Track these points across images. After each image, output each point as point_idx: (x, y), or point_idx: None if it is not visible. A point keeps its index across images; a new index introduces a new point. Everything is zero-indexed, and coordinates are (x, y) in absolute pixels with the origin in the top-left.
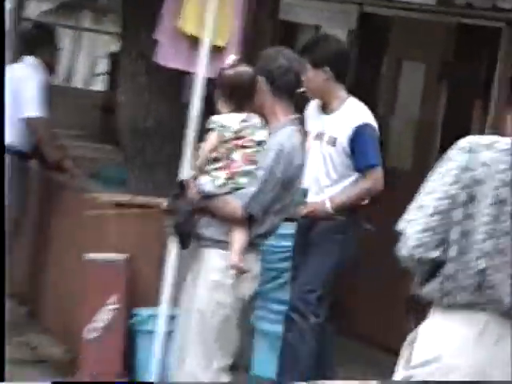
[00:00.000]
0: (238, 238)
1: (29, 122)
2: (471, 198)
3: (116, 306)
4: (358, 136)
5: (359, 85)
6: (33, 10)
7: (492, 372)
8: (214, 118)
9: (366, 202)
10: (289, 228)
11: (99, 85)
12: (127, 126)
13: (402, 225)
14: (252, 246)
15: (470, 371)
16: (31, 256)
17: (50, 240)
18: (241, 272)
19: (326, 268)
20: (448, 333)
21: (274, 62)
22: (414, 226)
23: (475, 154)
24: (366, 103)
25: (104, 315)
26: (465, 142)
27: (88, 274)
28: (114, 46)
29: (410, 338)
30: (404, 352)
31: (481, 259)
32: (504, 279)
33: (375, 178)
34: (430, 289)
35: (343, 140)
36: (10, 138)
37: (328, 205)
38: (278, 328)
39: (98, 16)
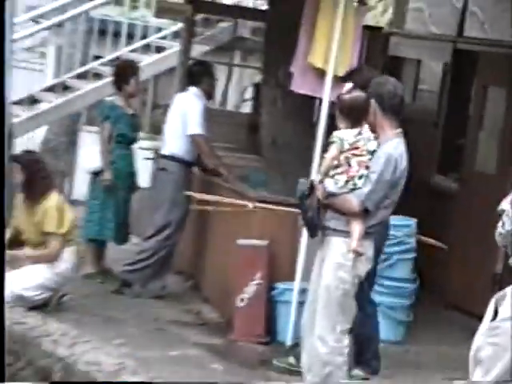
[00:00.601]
0: (356, 228)
1: (193, 138)
2: None
3: (260, 281)
4: None
5: (453, 106)
6: (196, 52)
7: None
8: (335, 133)
9: None
10: (396, 220)
11: (246, 108)
12: (268, 140)
13: (504, 205)
14: (367, 234)
15: None
16: (194, 241)
17: (208, 229)
18: (358, 255)
19: None
20: None
21: (384, 87)
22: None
23: None
24: (459, 120)
25: (251, 288)
26: None
27: (238, 255)
28: (258, 78)
29: (496, 296)
30: (491, 308)
31: None
32: None
33: None
34: None
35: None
36: (178, 149)
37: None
38: (389, 299)
39: (245, 55)
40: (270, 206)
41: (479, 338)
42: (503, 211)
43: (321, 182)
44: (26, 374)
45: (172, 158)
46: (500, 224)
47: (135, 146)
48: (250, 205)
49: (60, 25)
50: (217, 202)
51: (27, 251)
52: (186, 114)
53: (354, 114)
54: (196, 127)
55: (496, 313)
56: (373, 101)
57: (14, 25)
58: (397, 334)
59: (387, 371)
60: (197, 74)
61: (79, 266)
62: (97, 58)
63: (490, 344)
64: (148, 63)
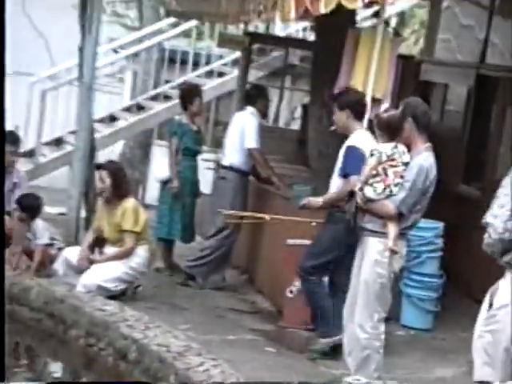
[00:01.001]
0: (392, 229)
1: (249, 151)
2: None
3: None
4: (345, 153)
5: (476, 124)
6: (252, 77)
7: None
8: (374, 146)
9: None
10: (425, 223)
11: (295, 125)
12: (314, 153)
13: (488, 218)
14: (401, 235)
15: None
16: (249, 240)
17: (262, 229)
18: (394, 253)
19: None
20: None
21: (418, 109)
22: (499, 219)
23: None
24: (481, 137)
25: (298, 282)
26: None
27: (287, 253)
28: (305, 99)
29: (491, 290)
30: (487, 300)
31: None
32: None
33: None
34: (508, 258)
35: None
36: (236, 161)
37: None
38: (418, 292)
39: (295, 79)
40: (283, 217)
41: (478, 329)
42: (487, 224)
43: (361, 189)
44: (106, 353)
45: (231, 168)
46: (486, 235)
47: (199, 157)
48: (267, 217)
49: (136, 54)
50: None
51: (107, 250)
52: (243, 130)
53: (391, 130)
54: (252, 142)
55: (491, 305)
56: (409, 119)
57: (97, 54)
58: (426, 323)
59: (418, 354)
60: (253, 96)
61: (151, 261)
62: (167, 82)
63: (488, 332)
64: (211, 86)
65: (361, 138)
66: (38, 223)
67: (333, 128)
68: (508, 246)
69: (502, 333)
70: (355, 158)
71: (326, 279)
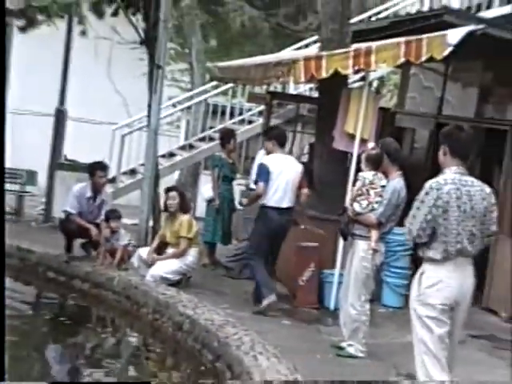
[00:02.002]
0: (374, 234)
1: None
2: (444, 211)
3: (313, 268)
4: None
5: (435, 157)
6: (273, 123)
7: (463, 285)
8: (360, 173)
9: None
10: (399, 229)
11: (304, 159)
12: (317, 179)
13: (407, 222)
14: (381, 238)
15: (456, 285)
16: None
17: None
18: (375, 251)
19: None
20: (444, 268)
21: (391, 146)
22: (416, 223)
23: (441, 190)
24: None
25: (307, 273)
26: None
27: (299, 252)
28: (312, 140)
29: (417, 275)
30: (415, 282)
31: (456, 237)
32: (467, 243)
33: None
34: (431, 253)
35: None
36: None
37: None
38: (394, 280)
39: (304, 125)
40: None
41: (412, 304)
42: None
43: (350, 205)
44: (166, 325)
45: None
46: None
47: (234, 182)
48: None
49: (189, 108)
50: None
51: (168, 251)
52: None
53: (373, 163)
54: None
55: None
56: (384, 154)
57: (161, 108)
58: (399, 303)
59: (394, 325)
60: (270, 136)
61: (199, 259)
62: (210, 128)
63: (420, 305)
64: (242, 131)
65: (273, 157)
66: (120, 230)
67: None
68: (420, 244)
69: (427, 305)
70: (262, 171)
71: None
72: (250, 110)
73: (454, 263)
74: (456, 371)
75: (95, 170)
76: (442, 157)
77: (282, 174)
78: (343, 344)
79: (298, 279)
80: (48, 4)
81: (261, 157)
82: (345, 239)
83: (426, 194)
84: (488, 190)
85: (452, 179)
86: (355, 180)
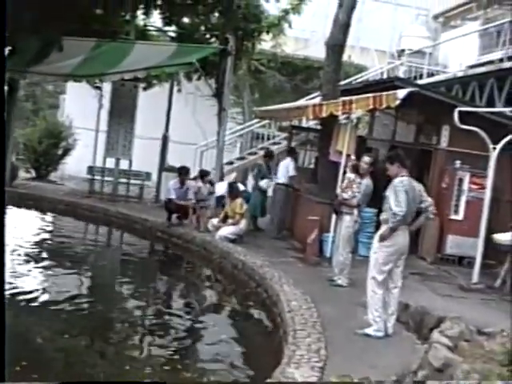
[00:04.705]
0: (355, 211)
1: (291, 177)
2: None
3: (316, 233)
4: None
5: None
6: (293, 144)
7: (406, 241)
8: (346, 175)
9: None
10: (368, 209)
11: (311, 166)
12: (320, 178)
13: (395, 206)
14: (358, 213)
15: (406, 247)
16: (292, 216)
17: (297, 211)
18: (355, 221)
19: None
20: (398, 234)
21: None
22: (403, 204)
23: (406, 185)
24: None
25: (313, 236)
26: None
27: (308, 223)
28: (316, 154)
29: (377, 234)
30: (377, 237)
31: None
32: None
33: None
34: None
35: None
36: (284, 180)
37: None
38: (365, 239)
39: (312, 145)
40: (321, 204)
41: (372, 255)
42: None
43: (340, 194)
44: (227, 265)
45: (282, 184)
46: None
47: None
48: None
49: (241, 135)
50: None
51: (229, 221)
52: (287, 168)
53: (354, 169)
54: (292, 172)
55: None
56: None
57: (225, 135)
58: (368, 253)
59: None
60: (290, 152)
61: (248, 225)
62: (254, 147)
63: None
64: (275, 148)
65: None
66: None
67: None
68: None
69: (387, 254)
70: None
71: None
72: (279, 136)
73: (404, 228)
74: (402, 294)
75: (181, 171)
76: (396, 169)
77: None
78: (335, 278)
79: (307, 239)
80: (159, 74)
81: (287, 165)
82: (336, 214)
83: (399, 187)
84: (421, 186)
85: (407, 179)
86: (343, 179)
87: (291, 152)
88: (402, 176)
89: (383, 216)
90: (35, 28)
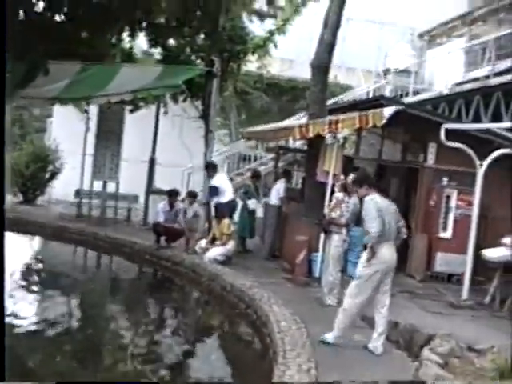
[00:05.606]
0: (343, 230)
1: (281, 199)
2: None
3: (305, 253)
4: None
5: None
6: (280, 164)
7: (393, 263)
8: (335, 194)
9: None
10: (356, 228)
11: (299, 186)
12: (308, 197)
13: (370, 226)
14: (347, 232)
15: (393, 264)
16: (281, 237)
17: (285, 231)
18: (344, 241)
19: None
20: (383, 251)
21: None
22: (374, 227)
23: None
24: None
25: (301, 256)
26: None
27: (297, 243)
28: (304, 175)
29: (364, 253)
30: (364, 255)
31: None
32: (393, 233)
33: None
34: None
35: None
36: (275, 201)
37: None
38: (353, 259)
39: (299, 165)
40: (312, 224)
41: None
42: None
43: (329, 213)
44: (216, 287)
45: (272, 205)
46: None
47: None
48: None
49: (227, 157)
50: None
51: (217, 243)
52: (280, 189)
53: (343, 189)
54: (283, 193)
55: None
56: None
57: (212, 156)
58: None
59: None
60: (285, 173)
61: (235, 247)
62: (241, 168)
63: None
64: (262, 169)
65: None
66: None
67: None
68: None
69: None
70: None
71: None
72: (266, 157)
73: (389, 245)
74: (391, 312)
75: (171, 194)
76: (365, 191)
77: None
78: (324, 297)
79: (296, 259)
80: (146, 96)
81: (278, 187)
82: (325, 233)
83: (370, 205)
84: (394, 205)
85: (378, 197)
86: (331, 198)
87: (285, 174)
88: (373, 194)
89: (365, 238)
90: (21, 52)
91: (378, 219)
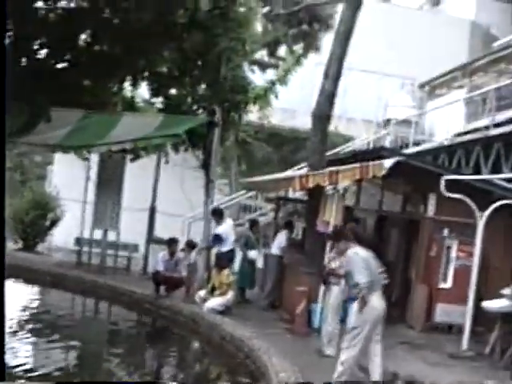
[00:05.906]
0: (342, 281)
1: (282, 248)
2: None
3: (305, 303)
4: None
5: (379, 233)
6: (281, 215)
7: (383, 311)
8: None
9: None
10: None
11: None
12: (309, 248)
13: (359, 279)
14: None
15: (383, 312)
16: (282, 288)
17: (284, 281)
18: (343, 291)
19: None
20: (375, 299)
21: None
22: (363, 278)
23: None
24: (382, 238)
25: (301, 306)
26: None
27: (296, 294)
28: (304, 225)
29: (358, 301)
30: (355, 305)
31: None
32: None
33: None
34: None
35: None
36: (275, 252)
37: None
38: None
39: (299, 215)
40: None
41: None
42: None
43: (328, 264)
44: (215, 337)
45: (273, 255)
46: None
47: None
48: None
49: (227, 207)
50: None
51: (216, 292)
52: (281, 240)
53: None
54: (285, 244)
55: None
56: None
57: (212, 205)
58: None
59: None
60: (287, 224)
61: (235, 297)
62: (241, 218)
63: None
64: (262, 220)
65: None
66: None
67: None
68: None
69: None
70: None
71: None
72: (266, 207)
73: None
74: (389, 363)
75: (171, 243)
76: (344, 245)
77: None
78: (323, 348)
79: (296, 310)
80: (147, 145)
81: (281, 238)
82: (324, 284)
83: (355, 257)
84: (372, 254)
85: (359, 249)
86: (331, 249)
87: (288, 225)
88: (354, 248)
89: (353, 290)
90: (23, 100)
91: (366, 270)
